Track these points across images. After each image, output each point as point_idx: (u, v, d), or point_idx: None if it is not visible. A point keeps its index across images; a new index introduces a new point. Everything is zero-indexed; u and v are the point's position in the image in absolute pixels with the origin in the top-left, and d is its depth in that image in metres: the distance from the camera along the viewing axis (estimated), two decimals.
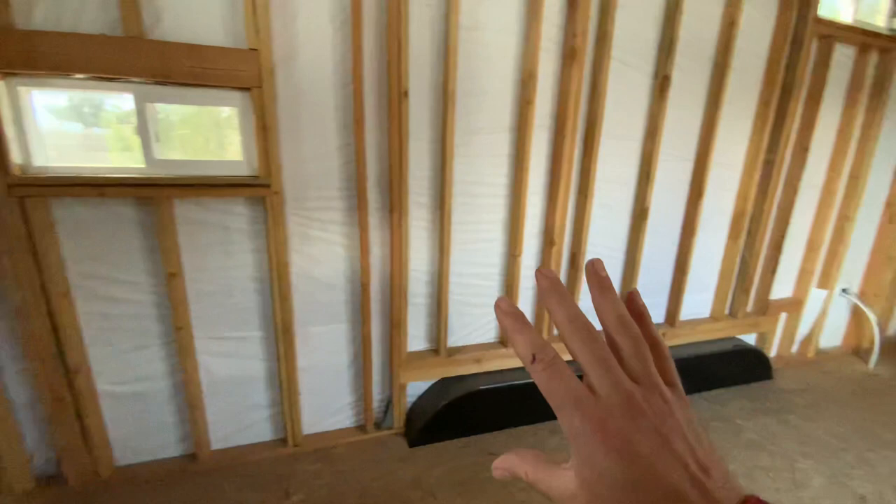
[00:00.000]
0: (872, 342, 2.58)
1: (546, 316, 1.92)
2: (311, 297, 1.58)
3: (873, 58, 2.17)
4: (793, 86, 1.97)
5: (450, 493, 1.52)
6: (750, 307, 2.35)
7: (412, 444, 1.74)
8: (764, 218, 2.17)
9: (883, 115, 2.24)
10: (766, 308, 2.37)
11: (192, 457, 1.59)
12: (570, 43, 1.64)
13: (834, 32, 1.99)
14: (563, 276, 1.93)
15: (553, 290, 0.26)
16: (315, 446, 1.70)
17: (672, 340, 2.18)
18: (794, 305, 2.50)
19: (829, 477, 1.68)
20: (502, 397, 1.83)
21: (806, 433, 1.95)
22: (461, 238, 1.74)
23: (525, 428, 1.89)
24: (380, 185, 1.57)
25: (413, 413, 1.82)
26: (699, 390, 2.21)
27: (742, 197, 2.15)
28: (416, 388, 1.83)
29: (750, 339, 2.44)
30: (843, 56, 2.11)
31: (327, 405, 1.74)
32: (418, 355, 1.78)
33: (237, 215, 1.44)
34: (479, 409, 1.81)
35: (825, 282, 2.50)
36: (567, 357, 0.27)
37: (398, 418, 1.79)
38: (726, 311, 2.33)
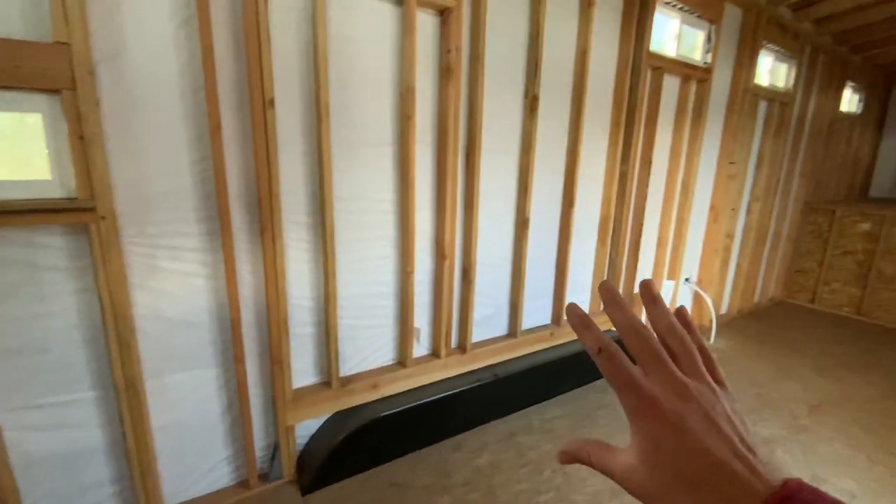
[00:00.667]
0: (711, 321, 3.10)
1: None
2: (164, 341, 1.32)
3: (693, 86, 2.64)
4: (635, 108, 2.29)
5: None
6: None
7: (306, 491, 1.56)
8: (624, 222, 2.46)
9: (703, 134, 2.73)
10: (633, 301, 2.69)
11: None
12: (446, 60, 1.66)
13: (663, 65, 2.37)
14: (455, 289, 1.93)
15: (613, 301, 0.31)
16: None
17: (559, 339, 2.34)
18: None
19: None
20: (403, 421, 1.75)
21: None
22: (349, 257, 1.63)
23: (428, 449, 1.83)
24: (247, 204, 1.39)
25: (305, 456, 1.63)
26: (588, 382, 2.39)
27: (605, 204, 2.42)
28: (306, 427, 1.65)
29: None
30: (671, 84, 2.53)
31: (196, 466, 1.47)
32: (307, 391, 1.61)
33: (49, 249, 1.14)
34: (380, 438, 1.70)
35: (672, 273, 2.93)
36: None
37: (287, 465, 1.59)
38: (601, 307, 2.57)
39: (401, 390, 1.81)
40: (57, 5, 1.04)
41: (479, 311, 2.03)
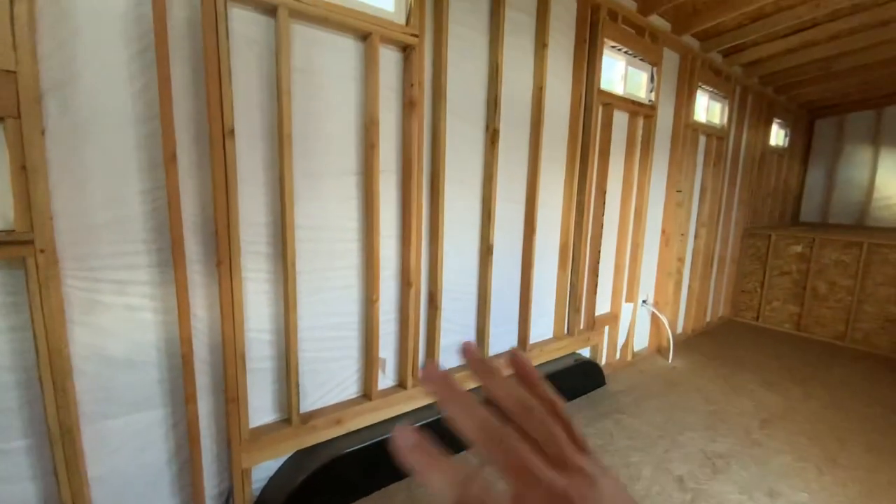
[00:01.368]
0: (668, 341, 3.23)
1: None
2: (105, 382, 1.22)
3: (641, 121, 2.84)
4: (588, 141, 2.43)
5: None
6: (582, 325, 2.71)
7: None
8: (582, 248, 2.56)
9: (651, 165, 2.93)
10: (593, 324, 2.77)
11: None
12: (409, 94, 1.72)
13: (612, 101, 2.55)
14: (422, 315, 1.92)
15: (451, 400, 0.24)
16: None
17: None
18: (612, 319, 2.98)
19: (654, 466, 1.97)
20: (369, 457, 1.68)
21: (634, 429, 2.27)
22: (311, 287, 1.60)
23: (396, 485, 1.76)
24: (203, 235, 1.34)
25: (262, 501, 1.53)
26: None
27: (564, 231, 2.52)
28: (265, 469, 1.56)
29: (585, 352, 2.81)
30: (620, 119, 2.71)
31: None
32: (265, 430, 1.53)
33: None
34: (344, 476, 1.62)
35: (630, 296, 3.05)
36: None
37: None
38: (565, 331, 2.64)
39: (366, 424, 1.75)
40: (5, 32, 1.00)
41: (446, 338, 2.03)
